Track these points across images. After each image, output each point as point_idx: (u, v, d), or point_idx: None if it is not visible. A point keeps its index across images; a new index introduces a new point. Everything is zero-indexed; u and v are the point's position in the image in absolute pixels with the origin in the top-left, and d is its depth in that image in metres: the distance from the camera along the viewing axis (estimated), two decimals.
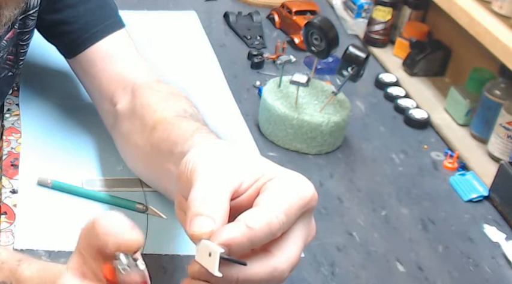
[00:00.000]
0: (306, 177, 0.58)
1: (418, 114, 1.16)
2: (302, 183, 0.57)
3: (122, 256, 0.47)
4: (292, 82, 1.01)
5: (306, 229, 0.57)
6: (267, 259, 0.53)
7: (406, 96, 1.23)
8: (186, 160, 0.58)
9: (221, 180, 0.55)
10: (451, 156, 1.07)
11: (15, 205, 0.84)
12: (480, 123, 1.12)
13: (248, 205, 0.55)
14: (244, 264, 0.50)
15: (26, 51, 0.96)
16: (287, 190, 0.55)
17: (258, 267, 0.53)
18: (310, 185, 0.57)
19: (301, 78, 1.00)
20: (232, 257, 0.50)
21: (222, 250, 0.49)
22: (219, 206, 0.53)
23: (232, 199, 0.55)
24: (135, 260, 0.48)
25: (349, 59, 1.04)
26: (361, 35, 1.42)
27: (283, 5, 1.43)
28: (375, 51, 1.38)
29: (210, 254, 0.49)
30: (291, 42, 1.35)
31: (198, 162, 0.57)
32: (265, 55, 1.28)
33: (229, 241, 0.50)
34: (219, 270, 0.49)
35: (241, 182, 0.56)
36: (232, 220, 0.53)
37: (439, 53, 1.31)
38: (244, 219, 0.52)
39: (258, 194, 0.56)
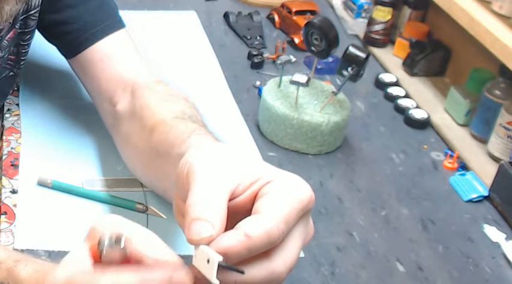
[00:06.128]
0: (305, 177, 0.57)
1: (418, 114, 1.16)
2: (300, 186, 0.56)
3: (106, 238, 0.52)
4: (292, 82, 1.01)
5: (304, 230, 0.56)
6: (265, 263, 0.53)
7: (406, 96, 1.23)
8: (183, 163, 0.58)
9: (218, 182, 0.54)
10: (451, 156, 1.07)
11: (15, 205, 0.84)
12: (480, 123, 1.12)
13: (245, 207, 0.55)
14: (242, 272, 0.50)
15: (27, 51, 0.96)
16: (286, 195, 0.54)
17: (256, 271, 0.52)
18: (308, 187, 0.56)
19: (301, 78, 1.00)
20: (230, 265, 0.50)
21: (221, 259, 0.49)
22: (218, 210, 0.52)
23: (229, 201, 0.54)
24: (118, 241, 0.52)
25: (349, 59, 1.04)
26: (361, 35, 1.42)
27: (283, 5, 1.43)
28: (375, 51, 1.38)
29: (208, 261, 0.49)
30: (291, 42, 1.35)
31: (194, 165, 0.56)
32: (265, 55, 1.28)
33: (227, 250, 0.50)
34: (217, 277, 0.49)
35: (238, 184, 0.55)
36: (229, 222, 0.52)
37: (439, 53, 1.31)
38: (244, 227, 0.51)
39: (255, 196, 0.55)
